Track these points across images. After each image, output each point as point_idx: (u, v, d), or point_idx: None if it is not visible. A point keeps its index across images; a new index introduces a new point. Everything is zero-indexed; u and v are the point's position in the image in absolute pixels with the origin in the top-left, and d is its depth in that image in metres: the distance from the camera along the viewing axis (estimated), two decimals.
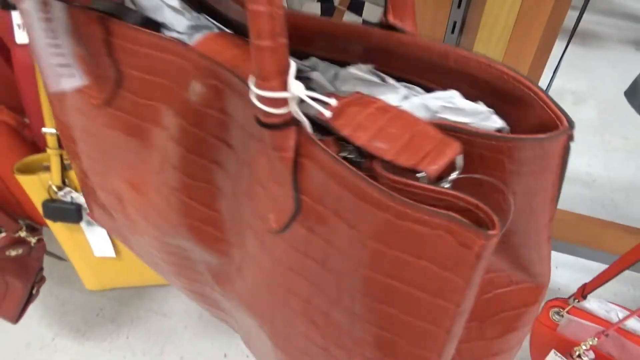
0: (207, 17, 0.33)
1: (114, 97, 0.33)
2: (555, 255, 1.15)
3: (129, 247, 0.46)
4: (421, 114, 0.23)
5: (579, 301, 0.68)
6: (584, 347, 0.65)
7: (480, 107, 0.22)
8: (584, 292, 0.67)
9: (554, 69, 0.90)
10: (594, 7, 2.06)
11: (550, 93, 0.94)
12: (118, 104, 0.34)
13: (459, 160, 0.20)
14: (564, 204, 1.13)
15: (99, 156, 0.38)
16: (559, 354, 0.67)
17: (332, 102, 0.22)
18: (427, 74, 0.24)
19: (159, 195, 0.33)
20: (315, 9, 0.91)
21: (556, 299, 0.70)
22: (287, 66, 0.21)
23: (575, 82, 1.72)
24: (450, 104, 0.22)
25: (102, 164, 0.38)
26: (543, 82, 0.93)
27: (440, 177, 0.20)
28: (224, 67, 0.26)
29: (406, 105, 0.23)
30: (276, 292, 0.28)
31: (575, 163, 1.39)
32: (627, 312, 0.64)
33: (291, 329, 0.28)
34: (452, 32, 0.77)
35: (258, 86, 0.21)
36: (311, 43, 0.27)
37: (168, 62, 0.29)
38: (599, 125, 1.54)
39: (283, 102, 0.22)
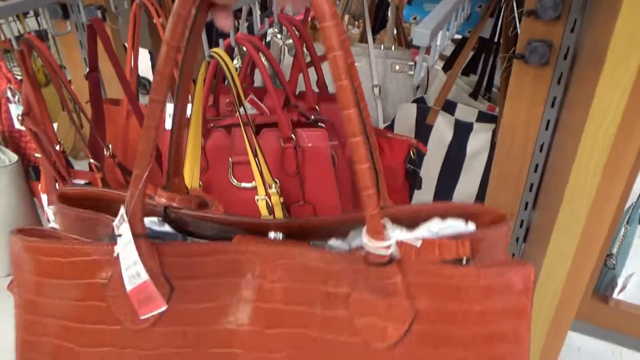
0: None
1: (162, 315, 0.36)
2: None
3: None
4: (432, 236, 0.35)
5: None
6: None
7: (460, 223, 0.35)
8: None
9: None
10: None
11: None
12: (166, 320, 0.37)
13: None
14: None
15: None
16: None
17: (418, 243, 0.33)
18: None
19: None
20: (410, 109, 1.01)
21: None
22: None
23: None
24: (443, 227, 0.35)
25: None
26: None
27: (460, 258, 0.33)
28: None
29: (421, 234, 0.34)
30: None
31: None
32: None
33: None
34: (547, 129, 0.82)
35: (377, 239, 0.32)
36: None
37: (218, 261, 0.36)
38: None
39: (389, 247, 0.32)
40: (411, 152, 0.86)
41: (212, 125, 0.75)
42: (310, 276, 0.35)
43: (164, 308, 0.36)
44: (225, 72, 0.61)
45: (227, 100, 0.82)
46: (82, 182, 0.91)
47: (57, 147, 0.84)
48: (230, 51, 0.69)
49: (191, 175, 0.67)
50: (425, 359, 0.34)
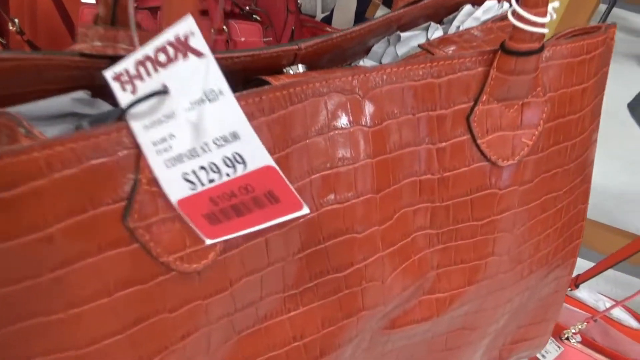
0: None
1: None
2: None
3: None
4: (475, 23, 0.34)
5: (571, 290, 0.75)
6: (572, 331, 0.72)
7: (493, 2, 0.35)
8: (576, 281, 0.75)
9: None
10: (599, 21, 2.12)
11: None
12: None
13: None
14: None
15: None
16: None
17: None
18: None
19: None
20: (350, 0, 0.97)
21: None
22: None
23: None
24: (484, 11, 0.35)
25: None
26: None
27: None
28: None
29: (466, 24, 0.34)
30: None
31: None
32: (614, 302, 0.71)
33: None
34: None
35: (535, 12, 0.26)
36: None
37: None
38: (599, 134, 1.61)
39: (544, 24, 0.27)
40: None
41: (136, 5, 0.68)
42: (414, 100, 0.27)
43: (306, 210, 0.21)
44: None
45: None
46: None
47: None
48: None
49: None
50: (552, 158, 0.33)
